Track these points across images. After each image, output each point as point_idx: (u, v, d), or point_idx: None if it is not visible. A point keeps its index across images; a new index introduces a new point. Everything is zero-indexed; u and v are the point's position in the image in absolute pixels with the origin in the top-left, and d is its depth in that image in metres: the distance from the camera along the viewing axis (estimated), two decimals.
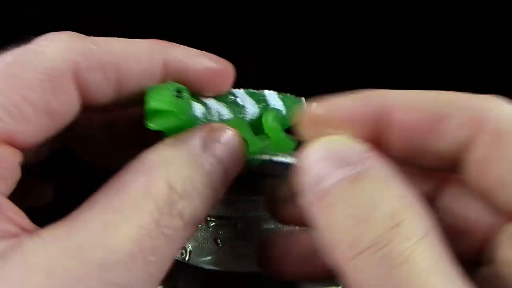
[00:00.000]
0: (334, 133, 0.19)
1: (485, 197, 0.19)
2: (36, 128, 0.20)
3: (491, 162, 0.18)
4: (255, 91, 0.25)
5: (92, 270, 0.17)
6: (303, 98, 0.26)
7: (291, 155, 0.22)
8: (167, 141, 0.20)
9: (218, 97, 0.24)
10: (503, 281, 0.18)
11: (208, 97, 0.23)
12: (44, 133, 0.20)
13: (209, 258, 0.28)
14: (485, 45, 0.44)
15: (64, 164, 0.27)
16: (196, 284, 0.29)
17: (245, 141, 0.21)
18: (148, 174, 0.19)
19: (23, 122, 0.19)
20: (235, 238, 0.27)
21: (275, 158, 0.22)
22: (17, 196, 0.19)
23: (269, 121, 0.24)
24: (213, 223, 0.27)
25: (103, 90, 0.21)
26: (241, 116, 0.24)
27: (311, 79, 0.46)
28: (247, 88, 0.25)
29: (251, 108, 0.24)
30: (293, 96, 0.26)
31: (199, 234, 0.27)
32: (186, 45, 0.23)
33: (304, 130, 0.20)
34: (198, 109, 0.22)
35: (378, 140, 0.19)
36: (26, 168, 0.22)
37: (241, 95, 0.24)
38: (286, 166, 0.22)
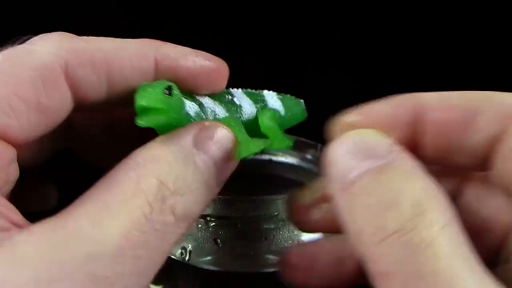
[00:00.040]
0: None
1: (510, 191, 0.19)
2: (28, 123, 0.20)
3: None
4: (253, 91, 0.25)
5: (78, 262, 0.17)
6: (302, 101, 0.26)
7: (290, 154, 0.22)
8: (159, 139, 0.20)
9: (214, 96, 0.24)
10: None
11: (204, 96, 0.23)
12: (37, 129, 0.20)
13: (209, 258, 0.28)
14: (485, 45, 0.44)
15: (65, 165, 0.27)
16: (196, 284, 0.29)
17: (238, 140, 0.21)
18: (139, 170, 0.19)
19: (15, 117, 0.19)
20: (235, 238, 0.27)
21: (275, 158, 0.22)
22: (22, 201, 0.20)
23: (265, 120, 0.24)
24: (213, 223, 0.27)
25: (95, 86, 0.21)
26: (237, 115, 0.24)
27: (311, 79, 0.46)
28: (247, 88, 0.25)
29: (248, 108, 0.24)
30: (293, 97, 0.26)
31: (199, 234, 0.27)
32: (186, 45, 0.23)
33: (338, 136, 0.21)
34: (191, 107, 0.22)
35: (413, 140, 0.20)
36: (29, 171, 0.22)
37: (239, 95, 0.24)
38: (286, 166, 0.22)
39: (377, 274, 0.17)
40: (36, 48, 0.20)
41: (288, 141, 0.23)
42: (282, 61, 0.46)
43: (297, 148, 0.32)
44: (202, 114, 0.23)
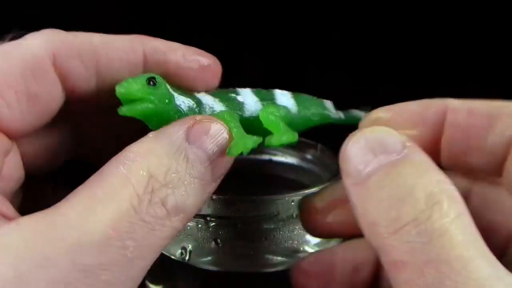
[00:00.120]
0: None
1: None
2: (20, 113, 0.21)
3: None
4: (265, 90, 0.25)
5: (63, 251, 0.17)
6: (328, 101, 0.26)
7: (290, 155, 0.22)
8: (151, 134, 0.20)
9: (215, 94, 0.24)
10: None
11: (205, 94, 0.23)
12: (30, 119, 0.21)
13: (209, 258, 0.28)
14: (485, 45, 0.44)
15: (78, 172, 0.27)
16: (196, 284, 0.29)
17: (232, 134, 0.21)
18: (129, 164, 0.19)
19: (6, 106, 0.20)
20: (235, 238, 0.27)
21: (275, 158, 0.22)
22: (35, 208, 0.20)
23: (265, 115, 0.23)
24: (213, 223, 0.27)
25: (84, 77, 0.22)
26: (239, 112, 0.24)
27: (311, 79, 0.46)
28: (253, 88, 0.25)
29: (253, 105, 0.24)
30: (311, 96, 0.26)
31: (199, 234, 0.27)
32: (186, 45, 0.23)
33: None
34: (184, 102, 0.22)
35: (437, 140, 0.21)
36: (42, 178, 0.22)
37: (245, 93, 0.24)
38: (286, 166, 0.22)
39: (392, 264, 0.17)
40: (26, 42, 0.21)
41: (291, 134, 0.23)
42: (282, 61, 0.46)
43: (297, 148, 0.32)
44: (197, 109, 0.22)
